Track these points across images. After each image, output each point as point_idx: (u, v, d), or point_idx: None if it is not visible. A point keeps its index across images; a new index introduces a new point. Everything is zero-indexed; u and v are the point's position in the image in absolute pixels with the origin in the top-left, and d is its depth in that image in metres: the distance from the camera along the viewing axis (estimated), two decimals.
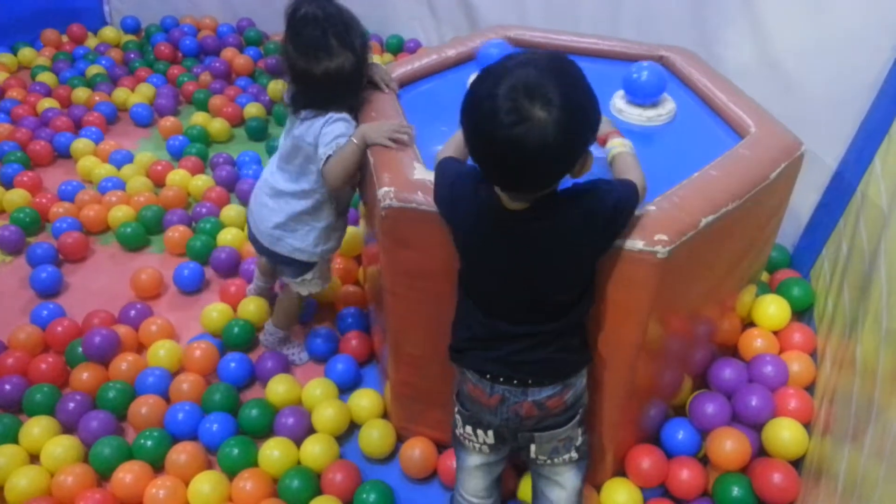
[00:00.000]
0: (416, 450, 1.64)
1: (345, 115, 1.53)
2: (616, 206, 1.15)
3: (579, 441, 1.33)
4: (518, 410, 1.25)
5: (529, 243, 1.13)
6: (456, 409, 1.36)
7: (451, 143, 1.33)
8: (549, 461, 1.32)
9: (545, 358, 1.22)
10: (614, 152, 1.29)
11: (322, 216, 1.66)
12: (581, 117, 1.01)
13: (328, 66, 1.46)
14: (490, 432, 1.32)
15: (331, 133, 1.51)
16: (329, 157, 1.50)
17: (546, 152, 0.98)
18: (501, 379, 1.23)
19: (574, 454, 1.33)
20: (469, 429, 1.34)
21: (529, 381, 1.23)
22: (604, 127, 1.33)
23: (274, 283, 2.08)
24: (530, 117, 0.96)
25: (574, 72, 1.02)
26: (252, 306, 2.00)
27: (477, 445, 1.35)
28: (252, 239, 1.76)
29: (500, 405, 1.25)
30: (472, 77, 1.07)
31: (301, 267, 1.74)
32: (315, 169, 1.57)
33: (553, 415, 1.27)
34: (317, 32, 1.45)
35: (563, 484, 1.34)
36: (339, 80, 1.49)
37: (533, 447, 1.31)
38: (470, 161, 1.12)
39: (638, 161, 1.27)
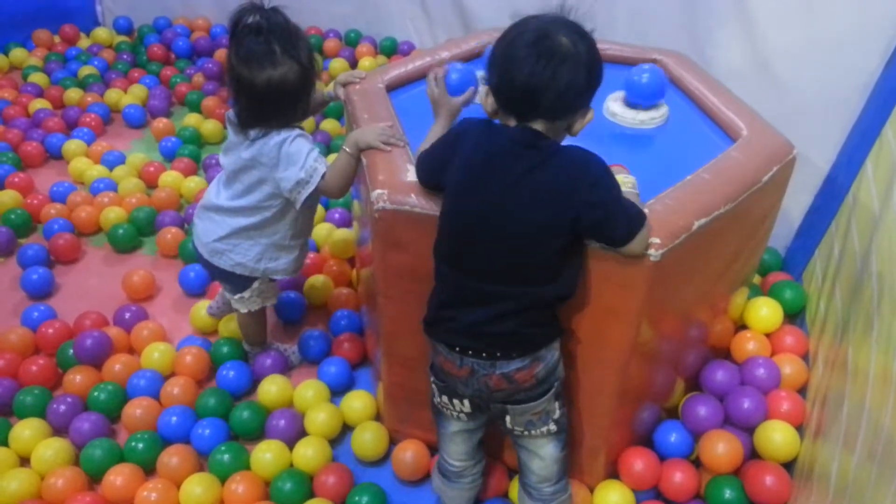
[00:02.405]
0: (409, 452, 1.64)
1: (298, 130, 1.52)
2: (612, 184, 1.15)
3: (557, 414, 1.33)
4: (487, 382, 1.25)
5: (527, 173, 1.14)
6: (431, 380, 1.37)
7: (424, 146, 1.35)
8: (525, 432, 1.34)
9: (512, 331, 1.21)
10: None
11: (269, 232, 1.62)
12: (596, 55, 1.13)
13: (271, 74, 1.43)
14: (466, 401, 1.34)
15: (299, 153, 1.48)
16: (324, 174, 1.49)
17: (567, 65, 1.09)
18: (470, 352, 1.24)
19: (553, 426, 1.33)
20: (445, 398, 1.36)
21: (498, 354, 1.23)
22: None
23: None
24: (555, 38, 1.09)
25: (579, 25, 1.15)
26: (233, 324, 1.97)
27: (455, 413, 1.37)
28: (192, 248, 1.72)
29: (469, 377, 1.26)
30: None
31: (240, 283, 1.71)
32: (267, 189, 1.54)
33: (524, 389, 1.27)
34: (260, 41, 1.42)
35: (542, 455, 1.36)
36: (282, 91, 1.46)
37: (508, 418, 1.32)
38: None
39: (640, 201, 1.26)
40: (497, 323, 1.21)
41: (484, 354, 1.23)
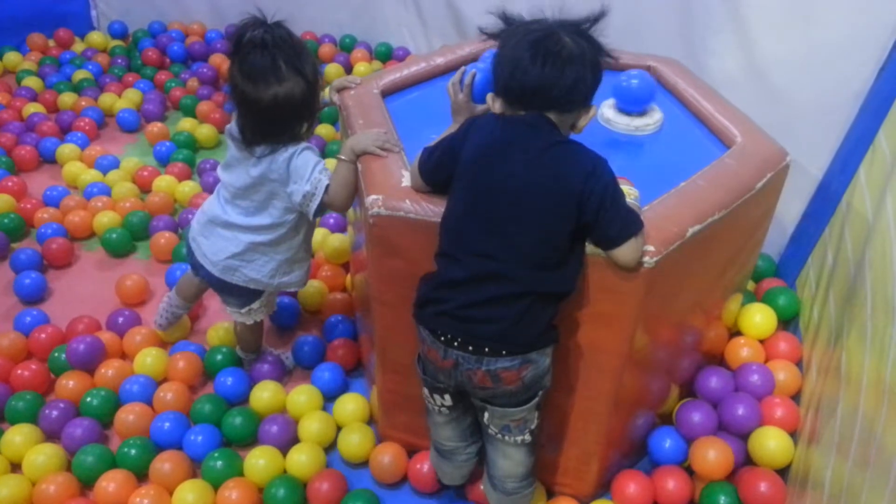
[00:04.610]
0: (387, 456, 1.63)
1: (304, 143, 1.51)
2: (614, 182, 1.17)
3: (534, 425, 1.33)
4: (471, 377, 1.24)
5: (538, 154, 1.16)
6: (418, 371, 1.37)
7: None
8: (500, 435, 1.33)
9: (507, 319, 1.18)
10: None
11: (284, 248, 1.61)
12: (597, 52, 1.17)
13: (277, 91, 1.41)
14: (447, 396, 1.33)
15: (305, 166, 1.47)
16: (328, 186, 1.48)
17: (574, 63, 1.12)
18: (456, 343, 1.22)
19: (527, 437, 1.33)
20: (427, 392, 1.36)
21: (486, 350, 1.20)
22: None
23: (192, 307, 1.99)
24: (559, 38, 1.13)
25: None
26: (221, 331, 1.97)
27: (436, 407, 1.37)
28: (195, 266, 1.69)
29: (453, 369, 1.25)
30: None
31: (250, 296, 1.70)
32: (280, 205, 1.54)
33: (509, 392, 1.25)
34: (265, 57, 1.40)
35: (511, 456, 1.36)
36: (288, 108, 1.43)
37: (486, 415, 1.32)
38: None
39: (641, 212, 1.25)
40: (492, 306, 1.18)
41: (470, 348, 1.21)
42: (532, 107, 1.17)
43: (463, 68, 1.42)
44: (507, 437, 1.33)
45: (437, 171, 1.28)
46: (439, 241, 1.25)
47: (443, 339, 1.23)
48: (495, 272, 1.18)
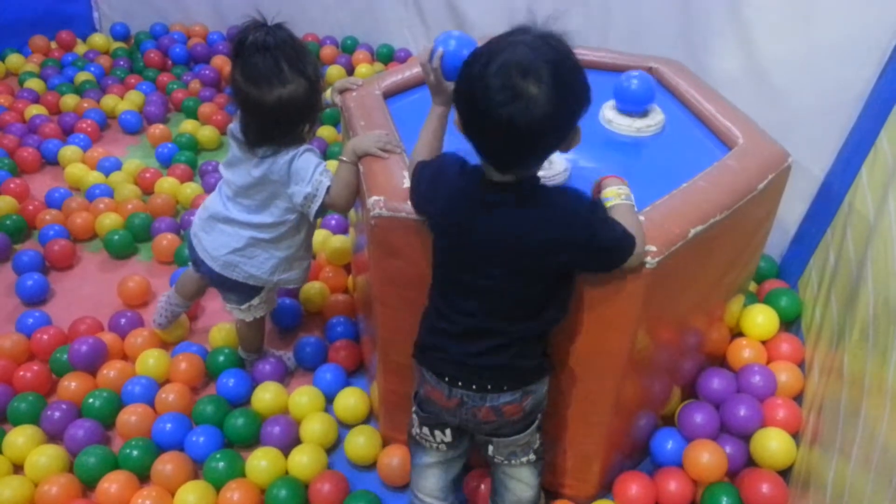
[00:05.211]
0: (395, 458, 1.63)
1: (306, 145, 1.51)
2: (588, 221, 1.12)
3: (537, 444, 1.34)
4: (476, 414, 1.25)
5: (506, 220, 1.12)
6: (413, 410, 1.36)
7: (418, 147, 1.34)
8: (506, 462, 1.34)
9: (504, 364, 1.20)
10: (608, 205, 1.22)
11: (284, 246, 1.62)
12: (571, 92, 1.04)
13: (281, 93, 1.42)
14: (448, 431, 1.33)
15: (306, 168, 1.48)
16: (329, 187, 1.49)
17: (538, 127, 1.01)
18: (460, 383, 1.23)
19: (532, 456, 1.34)
20: (426, 430, 1.35)
21: (489, 387, 1.22)
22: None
23: (192, 305, 1.98)
24: (522, 94, 0.99)
25: (564, 48, 1.04)
26: (224, 332, 1.97)
27: (434, 444, 1.36)
28: (196, 262, 1.70)
29: (458, 408, 1.25)
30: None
31: (249, 293, 1.70)
32: (282, 205, 1.55)
33: (511, 422, 1.27)
34: (267, 59, 1.40)
35: (521, 479, 1.36)
36: (292, 109, 1.44)
37: (490, 448, 1.33)
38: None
39: (634, 211, 1.23)
40: (487, 356, 1.20)
41: (474, 387, 1.22)
42: (498, 168, 1.10)
43: (430, 46, 1.33)
44: (514, 461, 1.34)
45: (418, 204, 1.28)
46: (433, 276, 1.26)
47: (447, 378, 1.24)
48: (482, 329, 1.19)
